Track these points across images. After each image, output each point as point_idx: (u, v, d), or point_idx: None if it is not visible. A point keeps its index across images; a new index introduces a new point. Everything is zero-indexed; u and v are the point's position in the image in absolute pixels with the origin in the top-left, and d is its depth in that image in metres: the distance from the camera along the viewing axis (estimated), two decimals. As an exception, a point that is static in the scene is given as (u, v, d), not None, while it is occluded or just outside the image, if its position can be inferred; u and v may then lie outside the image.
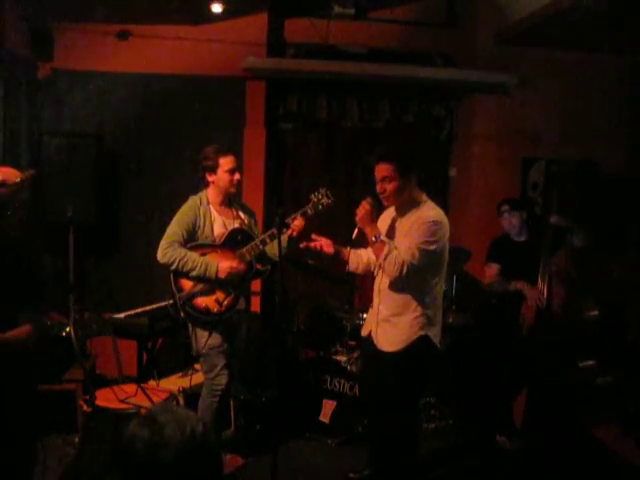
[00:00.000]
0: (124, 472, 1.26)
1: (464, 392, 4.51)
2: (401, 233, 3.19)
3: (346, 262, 3.37)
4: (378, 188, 3.16)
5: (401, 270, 3.00)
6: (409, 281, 3.12)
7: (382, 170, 3.13)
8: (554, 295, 4.10)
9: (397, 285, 3.17)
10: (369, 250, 3.37)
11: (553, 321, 4.10)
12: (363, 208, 3.11)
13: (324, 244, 3.32)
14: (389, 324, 3.21)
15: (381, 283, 3.29)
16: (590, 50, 5.13)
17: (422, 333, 3.15)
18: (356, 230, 3.16)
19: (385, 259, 3.03)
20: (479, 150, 5.39)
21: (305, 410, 4.27)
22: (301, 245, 3.36)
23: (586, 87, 5.23)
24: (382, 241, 3.09)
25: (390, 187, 3.12)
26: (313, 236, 3.32)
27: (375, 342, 3.28)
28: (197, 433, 1.28)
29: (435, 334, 3.21)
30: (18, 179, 2.72)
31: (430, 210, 3.17)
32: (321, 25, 5.03)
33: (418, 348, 3.15)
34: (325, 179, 5.42)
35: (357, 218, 3.12)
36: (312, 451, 4.09)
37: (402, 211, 3.23)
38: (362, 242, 3.29)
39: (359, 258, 3.41)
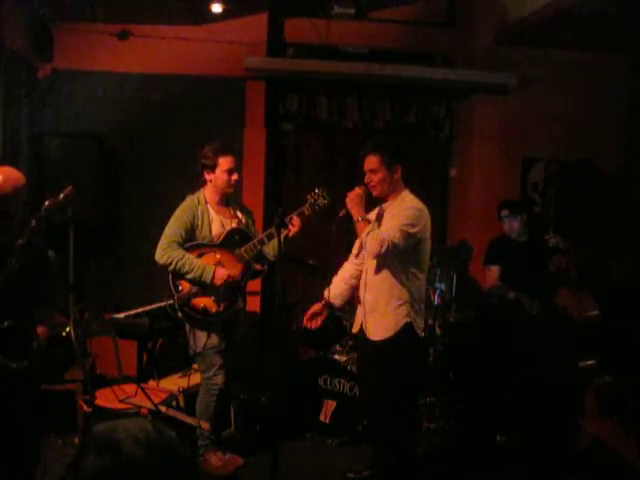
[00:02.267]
0: None
1: (464, 392, 4.50)
2: (386, 220, 3.33)
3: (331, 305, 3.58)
4: (366, 178, 3.33)
5: (381, 246, 3.10)
6: (392, 267, 3.26)
7: (370, 162, 3.33)
8: (555, 295, 4.11)
9: (381, 272, 3.29)
10: (349, 267, 3.57)
11: (553, 321, 4.10)
12: (354, 192, 3.29)
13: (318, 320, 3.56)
14: (377, 313, 3.32)
15: (367, 276, 3.39)
16: (590, 50, 5.13)
17: (407, 320, 3.27)
18: (343, 210, 3.32)
19: (367, 235, 3.16)
20: (479, 150, 5.38)
21: (305, 410, 4.27)
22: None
23: (586, 87, 5.22)
24: (366, 220, 3.24)
25: (376, 178, 3.30)
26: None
27: (367, 333, 3.37)
28: (152, 435, 1.27)
29: (419, 324, 3.33)
30: (62, 196, 2.79)
31: (412, 200, 3.34)
32: (321, 25, 5.02)
33: (406, 335, 3.28)
34: (325, 179, 5.42)
35: (347, 199, 3.28)
36: (312, 451, 4.09)
37: (386, 202, 3.39)
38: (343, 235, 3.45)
39: (337, 289, 3.56)
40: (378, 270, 3.31)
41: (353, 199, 3.26)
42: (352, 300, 4.45)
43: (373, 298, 3.35)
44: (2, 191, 2.66)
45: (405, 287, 3.27)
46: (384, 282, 3.30)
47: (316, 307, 3.58)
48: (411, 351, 3.35)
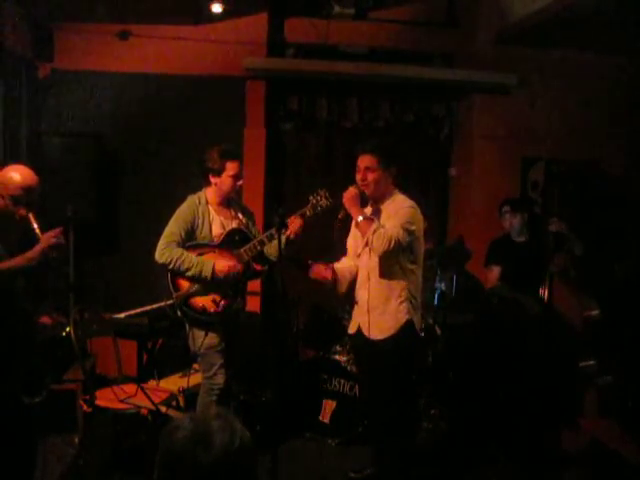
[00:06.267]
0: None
1: (464, 392, 4.50)
2: (383, 220, 3.30)
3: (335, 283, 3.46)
4: (359, 176, 3.31)
5: (389, 244, 3.11)
6: (390, 266, 3.26)
7: (366, 160, 3.31)
8: (555, 295, 4.11)
9: (380, 270, 3.29)
10: (348, 263, 3.50)
11: (553, 321, 4.10)
12: (350, 192, 3.27)
13: (324, 273, 3.41)
14: (377, 311, 3.31)
15: (364, 275, 3.37)
16: (590, 50, 5.13)
17: (408, 318, 3.29)
18: (342, 212, 3.32)
19: (374, 234, 3.15)
20: (479, 150, 5.38)
21: (305, 410, 4.27)
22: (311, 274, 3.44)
23: (586, 87, 5.22)
24: (370, 218, 3.23)
25: (371, 177, 3.28)
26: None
27: (366, 333, 3.34)
28: (239, 435, 1.30)
29: (417, 319, 3.35)
30: (62, 239, 2.83)
31: (406, 200, 3.34)
32: (321, 25, 5.02)
33: (406, 333, 3.28)
34: (325, 179, 5.42)
35: (344, 200, 3.27)
36: (312, 451, 4.09)
37: (379, 203, 3.38)
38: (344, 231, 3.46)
39: (343, 278, 3.45)
40: (376, 269, 3.30)
41: (350, 199, 3.25)
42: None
43: (372, 297, 3.33)
44: (29, 184, 2.79)
45: (404, 284, 3.28)
46: (383, 280, 3.29)
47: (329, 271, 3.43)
48: (411, 348, 3.37)
